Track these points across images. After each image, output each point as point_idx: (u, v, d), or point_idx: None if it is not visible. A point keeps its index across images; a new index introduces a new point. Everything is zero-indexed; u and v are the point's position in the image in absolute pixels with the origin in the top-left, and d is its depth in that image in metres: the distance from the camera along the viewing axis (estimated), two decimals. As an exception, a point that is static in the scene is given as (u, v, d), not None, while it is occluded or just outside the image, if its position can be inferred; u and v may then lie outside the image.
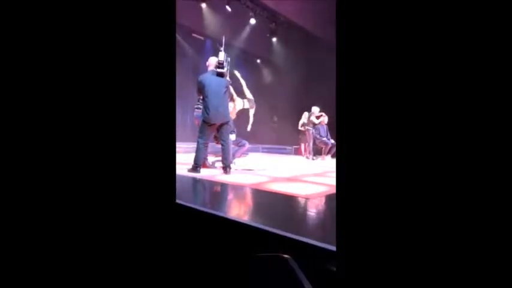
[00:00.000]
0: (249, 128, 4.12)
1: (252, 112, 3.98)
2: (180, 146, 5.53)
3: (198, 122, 3.28)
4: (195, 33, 7.80)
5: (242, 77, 3.91)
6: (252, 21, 7.10)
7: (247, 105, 3.85)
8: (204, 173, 2.93)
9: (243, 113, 4.05)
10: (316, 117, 5.67)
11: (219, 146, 3.18)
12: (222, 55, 3.01)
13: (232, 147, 3.26)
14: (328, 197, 1.93)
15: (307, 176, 3.03)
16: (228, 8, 6.68)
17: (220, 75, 3.00)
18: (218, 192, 2.27)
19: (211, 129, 3.03)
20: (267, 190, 2.14)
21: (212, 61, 3.08)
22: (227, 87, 3.06)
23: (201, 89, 2.97)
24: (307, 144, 5.75)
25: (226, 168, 2.98)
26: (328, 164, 4.57)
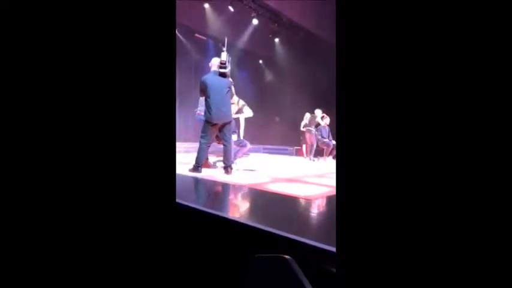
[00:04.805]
0: (242, 135, 4.08)
1: (242, 117, 3.98)
2: (182, 146, 5.54)
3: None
4: (197, 33, 7.82)
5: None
6: (255, 21, 7.10)
7: (241, 104, 3.88)
8: (205, 173, 2.94)
9: (247, 118, 4.06)
10: (320, 118, 5.66)
11: (221, 146, 3.19)
12: (224, 55, 3.01)
13: (233, 147, 3.26)
14: (329, 198, 1.92)
15: (308, 176, 3.02)
16: (231, 9, 6.69)
17: (223, 75, 3.01)
18: (219, 192, 2.28)
19: (214, 129, 3.04)
20: (268, 190, 2.13)
21: (215, 62, 3.08)
22: (229, 87, 3.07)
23: (203, 89, 2.98)
24: (308, 145, 5.74)
25: (227, 168, 2.99)
26: (329, 165, 4.56)
